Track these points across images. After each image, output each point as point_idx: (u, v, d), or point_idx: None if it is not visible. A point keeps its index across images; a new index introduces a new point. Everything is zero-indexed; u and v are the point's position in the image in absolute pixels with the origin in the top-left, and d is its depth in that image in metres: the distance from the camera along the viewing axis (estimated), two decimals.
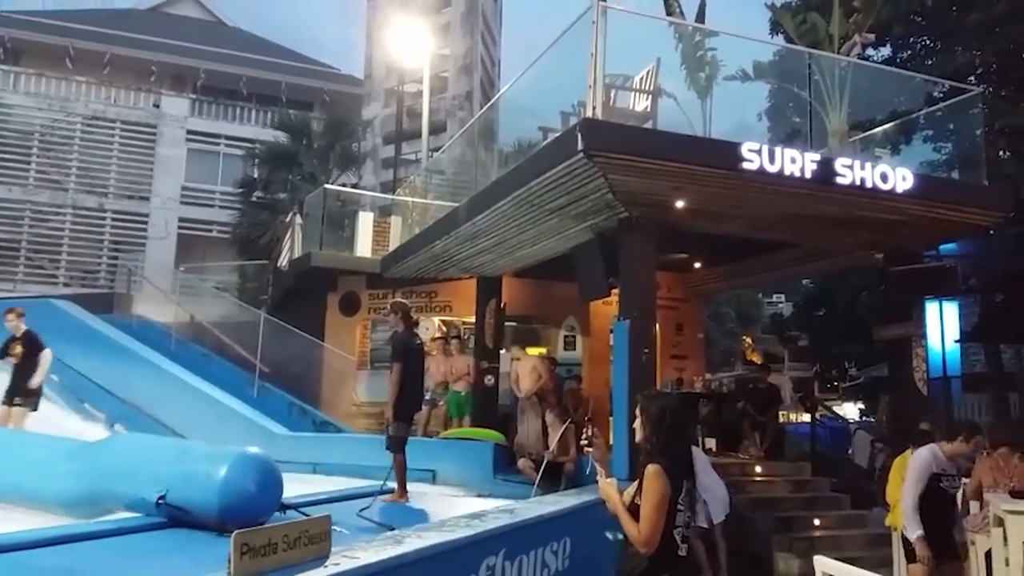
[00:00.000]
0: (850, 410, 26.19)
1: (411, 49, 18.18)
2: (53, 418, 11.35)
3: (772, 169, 6.55)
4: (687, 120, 8.28)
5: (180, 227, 24.66)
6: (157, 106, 25.21)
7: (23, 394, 9.31)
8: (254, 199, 21.41)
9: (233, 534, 2.75)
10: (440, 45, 23.22)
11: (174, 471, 5.57)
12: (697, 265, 11.63)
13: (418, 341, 7.80)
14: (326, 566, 3.08)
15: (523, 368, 10.07)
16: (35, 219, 23.22)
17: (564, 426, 8.22)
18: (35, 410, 9.43)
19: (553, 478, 7.75)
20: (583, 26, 6.72)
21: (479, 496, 8.27)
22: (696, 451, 8.16)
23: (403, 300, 7.63)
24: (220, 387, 12.20)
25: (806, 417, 13.33)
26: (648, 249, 7.46)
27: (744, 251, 10.08)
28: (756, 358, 18.74)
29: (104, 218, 24.08)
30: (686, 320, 12.61)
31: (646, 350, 7.28)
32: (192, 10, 31.94)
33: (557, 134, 7.37)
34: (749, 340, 25.77)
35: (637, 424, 3.46)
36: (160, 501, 5.35)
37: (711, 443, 11.33)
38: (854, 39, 7.61)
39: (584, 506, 5.66)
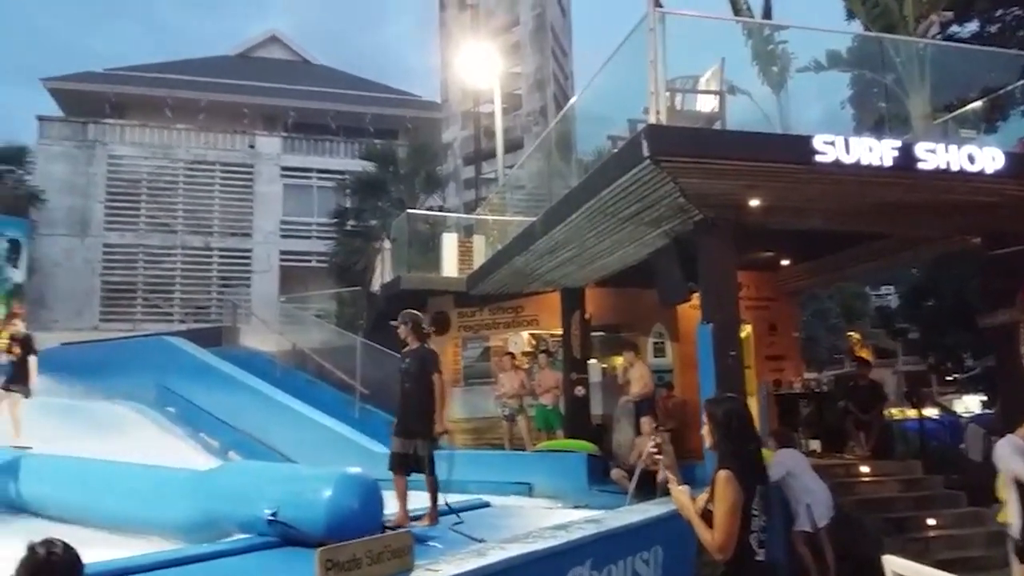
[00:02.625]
0: (971, 403, 24.73)
1: (483, 70, 18.52)
2: (172, 447, 12.11)
3: (848, 160, 6.38)
4: (763, 116, 8.17)
5: (281, 260, 25.75)
6: (252, 146, 26.49)
7: (20, 382, 10.74)
8: (347, 228, 22.13)
9: (318, 551, 2.92)
10: (511, 64, 23.47)
11: (284, 493, 5.87)
12: (784, 262, 11.34)
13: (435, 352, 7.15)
14: None
15: (633, 374, 10.11)
16: (148, 261, 24.74)
17: (655, 434, 8.18)
18: (27, 397, 10.75)
19: (650, 487, 7.71)
20: (642, 33, 6.74)
21: (575, 508, 8.29)
22: (796, 453, 8.01)
23: (415, 312, 7.08)
24: (324, 411, 12.68)
25: (915, 413, 12.74)
26: (726, 250, 7.36)
27: (833, 244, 9.79)
28: (865, 354, 18.03)
29: (211, 256, 25.43)
30: (779, 319, 12.28)
31: (732, 352, 7.18)
32: (279, 52, 33.42)
33: (626, 142, 7.39)
34: (857, 335, 24.75)
35: (705, 430, 3.47)
36: (271, 517, 5.63)
37: (814, 444, 11.01)
38: (930, 19, 7.32)
39: (675, 515, 5.62)
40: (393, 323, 6.88)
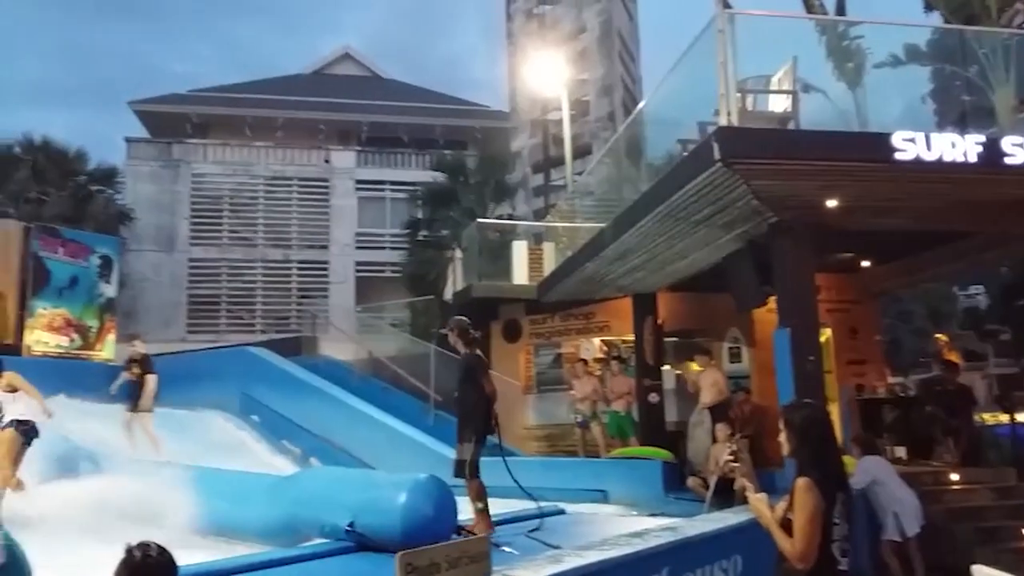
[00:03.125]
0: None
1: (550, 78, 18.59)
2: (256, 453, 12.51)
3: (930, 157, 6.16)
4: (839, 114, 7.97)
5: (356, 270, 26.36)
6: (328, 161, 27.24)
7: (132, 404, 11.31)
8: (420, 238, 22.51)
9: (397, 555, 2.98)
10: (579, 71, 23.50)
11: (360, 499, 6.02)
12: (865, 264, 10.99)
13: (483, 357, 6.95)
14: None
15: (705, 380, 9.98)
16: (231, 274, 25.68)
17: (732, 441, 8.04)
18: (150, 411, 11.38)
19: (727, 495, 7.59)
20: (711, 34, 6.67)
21: (651, 515, 8.21)
22: (880, 460, 7.76)
23: (462, 318, 6.95)
24: (399, 418, 12.90)
25: (1007, 418, 12.13)
26: (803, 252, 7.20)
27: (917, 244, 9.44)
28: (953, 357, 17.26)
29: (290, 268, 26.22)
30: (861, 322, 11.90)
31: (811, 357, 7.02)
32: (351, 68, 34.27)
33: (696, 145, 7.32)
34: (944, 338, 23.73)
35: (783, 437, 3.41)
36: (349, 528, 5.78)
37: (900, 451, 10.62)
38: (1015, 6, 7.01)
39: (754, 523, 5.52)
40: (443, 331, 6.93)
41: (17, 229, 16.24)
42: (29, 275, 15.89)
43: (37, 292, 15.92)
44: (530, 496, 6.72)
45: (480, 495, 6.29)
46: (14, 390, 8.33)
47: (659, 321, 11.30)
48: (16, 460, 7.83)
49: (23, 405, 8.19)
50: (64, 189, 19.22)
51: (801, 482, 3.19)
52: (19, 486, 7.85)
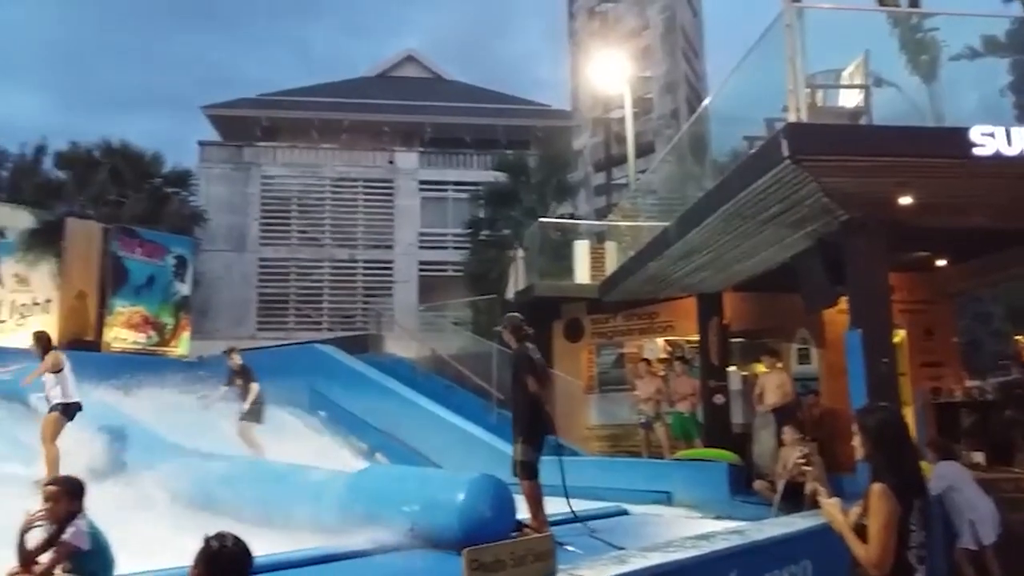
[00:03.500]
0: None
1: (613, 76, 18.48)
2: (324, 449, 12.77)
3: (1011, 152, 5.90)
4: (913, 108, 7.72)
5: (420, 270, 26.70)
6: (392, 162, 27.67)
7: (251, 414, 11.22)
8: (481, 238, 22.63)
9: (464, 551, 3.03)
10: (642, 68, 23.29)
11: (420, 497, 6.11)
12: (941, 263, 10.59)
13: (537, 356, 6.71)
14: None
15: (770, 382, 9.81)
16: (299, 274, 26.31)
17: (801, 444, 7.87)
18: (260, 423, 11.21)
19: (795, 499, 7.44)
20: (780, 28, 6.54)
21: (717, 518, 8.10)
22: (957, 466, 7.49)
23: (514, 314, 6.86)
24: (462, 415, 13.01)
25: None
26: (876, 251, 6.99)
27: (996, 242, 9.04)
28: None
29: (356, 268, 26.72)
30: (936, 323, 11.48)
31: (885, 359, 6.82)
32: (414, 70, 34.71)
33: (763, 142, 7.18)
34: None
35: (857, 441, 3.32)
36: (411, 530, 5.86)
37: (978, 457, 10.22)
38: None
39: (825, 528, 5.40)
40: (496, 328, 6.90)
41: (97, 230, 16.98)
42: (109, 274, 16.60)
43: (116, 291, 16.62)
44: (567, 499, 6.63)
45: (533, 495, 6.20)
46: (59, 369, 8.88)
47: (725, 321, 11.13)
48: (56, 436, 8.57)
49: (70, 386, 8.84)
50: (141, 191, 19.95)
51: (876, 487, 3.11)
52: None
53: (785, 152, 5.95)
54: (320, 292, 26.37)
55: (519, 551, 3.23)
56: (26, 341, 14.64)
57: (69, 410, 8.76)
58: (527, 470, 6.19)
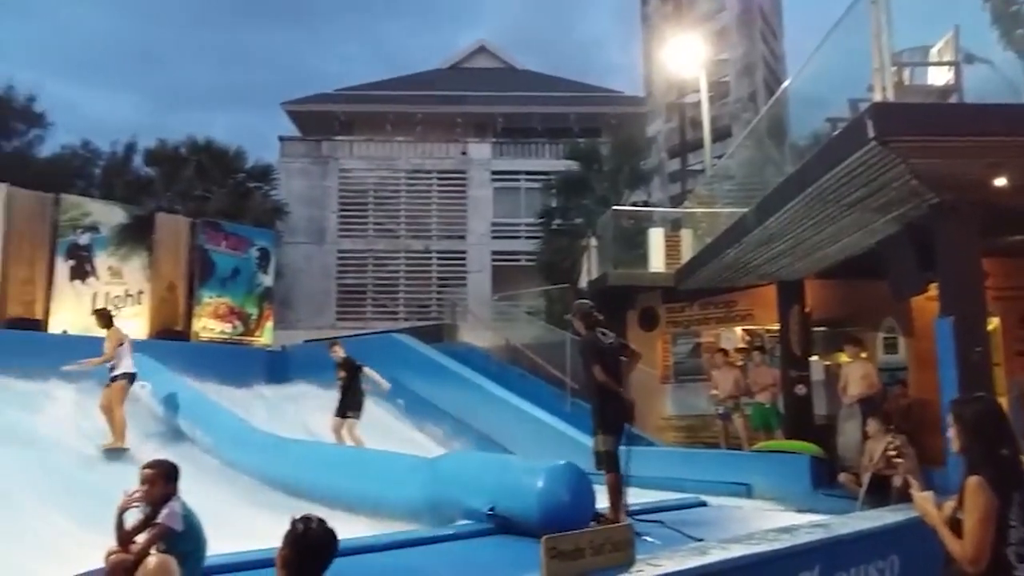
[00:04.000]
0: None
1: (688, 60, 18.12)
2: (402, 436, 13.02)
3: None
4: (1008, 86, 7.33)
5: (493, 260, 26.85)
6: (464, 153, 27.88)
7: (353, 408, 10.94)
8: (554, 227, 22.61)
9: (543, 539, 3.03)
10: (718, 51, 22.74)
11: (499, 483, 6.15)
12: None
13: (610, 341, 6.47)
14: (630, 572, 3.25)
15: (854, 373, 9.52)
16: (376, 265, 26.83)
17: (887, 437, 7.60)
18: (358, 419, 10.94)
19: (882, 493, 7.20)
20: (865, 4, 6.30)
21: (799, 511, 7.91)
22: None
23: (584, 301, 6.73)
24: (537, 404, 13.04)
25: None
26: (968, 236, 6.67)
27: None
28: None
29: (430, 258, 27.08)
30: None
31: (978, 348, 6.51)
32: (486, 61, 34.82)
33: (847, 123, 6.92)
34: None
35: (952, 433, 3.18)
36: (490, 511, 5.92)
37: None
38: None
39: (913, 523, 5.21)
40: (567, 317, 6.84)
41: (185, 224, 17.66)
42: (196, 267, 17.26)
43: (203, 282, 17.27)
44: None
45: (614, 486, 6.10)
46: (121, 343, 9.71)
47: (806, 310, 10.81)
48: (122, 403, 9.63)
49: (130, 358, 9.79)
50: (225, 186, 20.63)
51: (973, 481, 2.98)
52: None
53: (871, 133, 5.73)
54: (396, 282, 26.83)
55: (598, 540, 3.23)
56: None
57: (132, 379, 9.77)
58: (607, 461, 6.10)
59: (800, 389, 10.71)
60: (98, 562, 4.04)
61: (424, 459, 8.15)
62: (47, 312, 14.98)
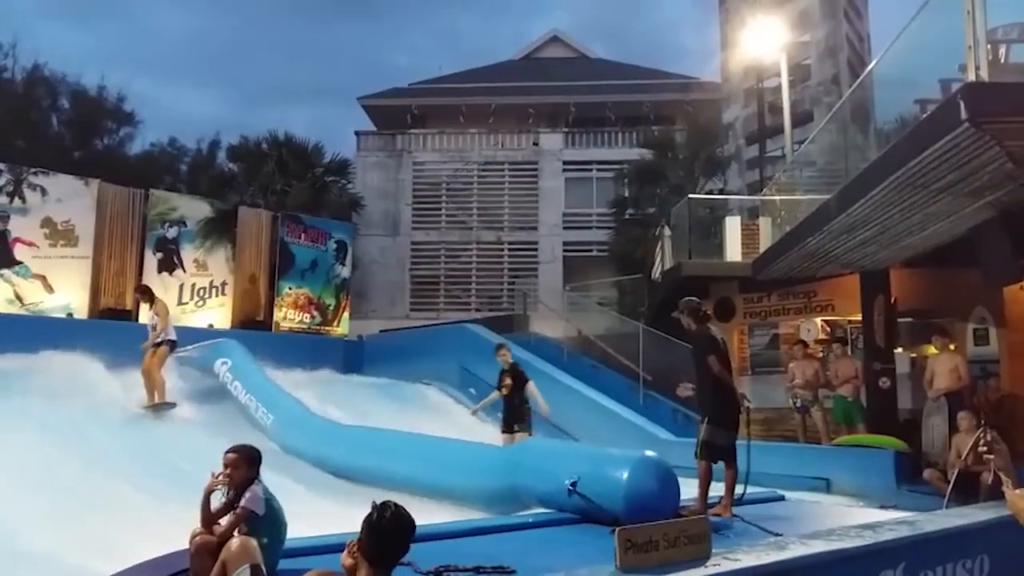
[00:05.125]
0: None
1: (767, 43, 17.61)
2: (473, 424, 13.14)
3: None
4: None
5: (564, 250, 26.76)
6: (536, 144, 27.82)
7: (520, 420, 9.61)
8: (626, 217, 22.35)
9: (616, 530, 3.01)
10: (799, 33, 22.00)
11: (582, 473, 6.11)
12: None
13: (721, 336, 6.61)
14: (706, 566, 3.20)
15: (941, 365, 9.15)
16: (449, 256, 27.09)
17: (978, 431, 7.26)
18: (531, 433, 9.57)
19: (970, 490, 6.90)
20: None
21: (881, 507, 7.66)
22: None
23: (691, 297, 6.69)
24: (609, 396, 12.97)
25: None
26: None
27: None
28: None
29: (502, 249, 27.18)
30: None
31: None
32: (560, 50, 34.63)
33: (938, 105, 6.62)
34: None
35: None
36: (571, 485, 5.88)
37: None
38: None
39: (1005, 521, 4.97)
40: (673, 315, 6.74)
41: (267, 218, 18.22)
42: (277, 258, 17.80)
43: (283, 274, 17.80)
44: (745, 484, 6.44)
45: (705, 476, 6.11)
46: (157, 315, 10.61)
47: (891, 300, 10.42)
48: (162, 366, 10.61)
49: (170, 327, 10.74)
50: (304, 180, 21.09)
51: None
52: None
53: (963, 115, 5.46)
54: (468, 273, 27.02)
55: (672, 532, 3.19)
56: (206, 321, 16.18)
57: (173, 346, 10.74)
58: (709, 451, 6.15)
59: (884, 382, 10.35)
60: (183, 541, 4.20)
61: (500, 447, 8.20)
62: (137, 303, 15.69)
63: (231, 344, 12.81)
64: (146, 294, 11.43)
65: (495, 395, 9.99)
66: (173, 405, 10.66)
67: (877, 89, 9.91)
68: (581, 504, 5.78)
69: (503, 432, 9.68)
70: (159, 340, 10.54)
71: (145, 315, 11.58)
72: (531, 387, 9.74)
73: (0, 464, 7.24)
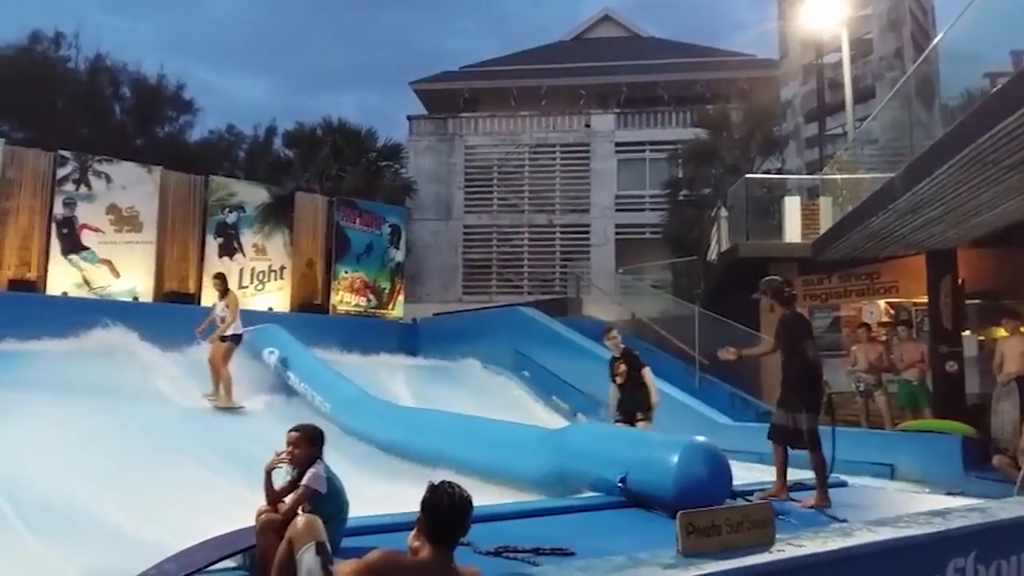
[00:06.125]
0: None
1: (827, 17, 17.09)
2: (528, 407, 13.21)
3: None
4: None
5: (616, 233, 26.55)
6: (588, 126, 27.59)
7: (642, 408, 8.95)
8: (680, 198, 22.09)
9: (678, 513, 2.98)
10: (860, 6, 21.28)
11: (630, 457, 6.09)
12: None
13: (804, 318, 6.38)
14: (770, 552, 3.14)
15: (1011, 348, 8.85)
16: (501, 239, 27.13)
17: None
18: (650, 421, 8.91)
19: None
20: None
21: (948, 494, 7.46)
22: None
23: (773, 276, 6.40)
24: (663, 379, 12.83)
25: None
26: None
27: None
28: None
29: (553, 232, 27.10)
30: None
31: None
32: (611, 30, 34.20)
33: (1009, 78, 6.34)
34: None
35: None
36: (620, 484, 5.89)
37: None
38: None
39: None
40: (755, 296, 6.53)
41: (323, 203, 18.50)
42: (333, 243, 18.07)
43: (339, 258, 18.07)
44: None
45: (820, 464, 5.96)
46: (227, 307, 10.52)
47: (959, 281, 10.09)
48: (228, 362, 10.47)
49: (237, 322, 10.61)
50: (358, 165, 21.34)
51: None
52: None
53: None
54: (520, 257, 27.03)
55: (735, 518, 3.13)
56: (265, 304, 16.54)
57: (240, 340, 10.65)
58: (816, 439, 5.96)
59: (951, 366, 10.07)
60: (249, 519, 4.31)
61: (551, 430, 8.21)
62: (199, 286, 16.12)
63: (274, 330, 12.84)
64: (222, 283, 11.09)
65: (613, 390, 9.06)
66: (242, 408, 10.41)
67: (943, 63, 9.58)
68: (631, 492, 5.76)
69: (622, 421, 8.82)
70: (225, 334, 10.42)
71: (214, 302, 11.24)
72: (647, 373, 9.02)
73: (70, 441, 7.57)
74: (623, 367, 8.90)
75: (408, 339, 17.53)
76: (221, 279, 11.19)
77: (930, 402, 10.14)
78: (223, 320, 10.50)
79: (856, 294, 12.48)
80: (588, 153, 27.24)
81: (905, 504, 6.18)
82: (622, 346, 9.22)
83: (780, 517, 4.95)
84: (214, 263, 16.28)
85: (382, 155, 22.38)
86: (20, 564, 4.78)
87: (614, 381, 8.99)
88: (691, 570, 2.78)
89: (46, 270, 14.74)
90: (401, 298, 19.22)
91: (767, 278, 6.43)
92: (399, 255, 19.27)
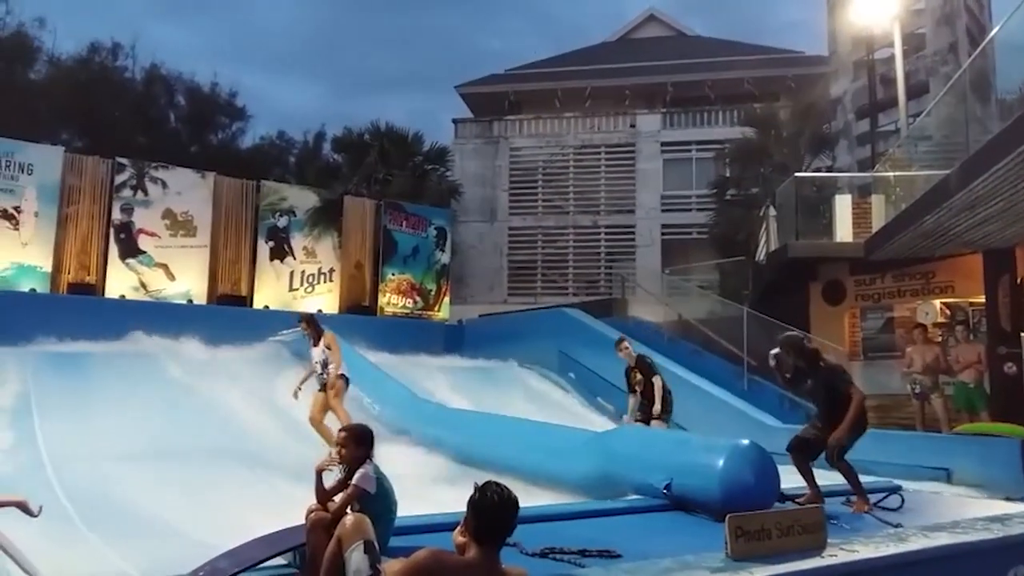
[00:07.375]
0: None
1: (878, 12, 16.70)
2: (573, 409, 13.18)
3: None
4: None
5: (663, 233, 26.31)
6: (633, 126, 27.41)
7: (664, 410, 9.18)
8: (727, 198, 21.77)
9: (727, 517, 2.96)
10: (912, 0, 20.78)
11: (676, 460, 6.05)
12: None
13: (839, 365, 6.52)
14: (822, 556, 3.10)
15: None
16: (545, 241, 27.11)
17: None
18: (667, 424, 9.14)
19: None
20: None
21: (1007, 499, 7.24)
22: None
23: (792, 334, 6.33)
24: (710, 381, 12.71)
25: None
26: None
27: None
28: None
29: (598, 233, 26.98)
30: None
31: None
32: (657, 30, 33.95)
33: None
34: None
35: None
36: (666, 489, 5.85)
37: None
38: None
39: None
40: (771, 358, 6.32)
41: (370, 206, 18.75)
42: (380, 246, 18.30)
43: (387, 260, 18.30)
44: None
45: (849, 473, 5.98)
46: (329, 348, 9.39)
47: (1018, 280, 9.79)
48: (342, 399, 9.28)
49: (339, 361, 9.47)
50: (404, 169, 21.53)
51: None
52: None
53: None
54: (565, 258, 26.98)
55: (785, 522, 3.11)
56: (315, 306, 16.82)
57: (348, 381, 9.41)
58: (840, 454, 5.93)
59: (1010, 368, 9.77)
60: (300, 518, 4.39)
61: (597, 433, 8.18)
62: (252, 289, 16.46)
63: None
64: (311, 325, 9.63)
65: (632, 401, 9.29)
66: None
67: (1000, 56, 9.30)
68: (676, 496, 5.72)
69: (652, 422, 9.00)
70: (332, 376, 9.16)
71: (312, 350, 9.58)
72: (657, 382, 9.11)
73: (120, 440, 7.80)
74: (639, 376, 9.15)
75: (454, 340, 17.65)
76: (307, 320, 9.82)
77: (987, 405, 9.85)
78: (326, 364, 9.26)
79: (910, 294, 12.18)
80: (633, 153, 27.07)
81: (962, 510, 6.00)
82: (635, 355, 9.38)
83: (832, 522, 4.88)
84: (266, 266, 16.63)
85: (428, 158, 22.53)
86: (85, 560, 4.94)
87: (633, 391, 9.22)
88: (740, 574, 2.76)
89: (105, 274, 15.23)
90: (447, 300, 19.36)
91: (784, 335, 6.32)
92: (445, 257, 19.41)
